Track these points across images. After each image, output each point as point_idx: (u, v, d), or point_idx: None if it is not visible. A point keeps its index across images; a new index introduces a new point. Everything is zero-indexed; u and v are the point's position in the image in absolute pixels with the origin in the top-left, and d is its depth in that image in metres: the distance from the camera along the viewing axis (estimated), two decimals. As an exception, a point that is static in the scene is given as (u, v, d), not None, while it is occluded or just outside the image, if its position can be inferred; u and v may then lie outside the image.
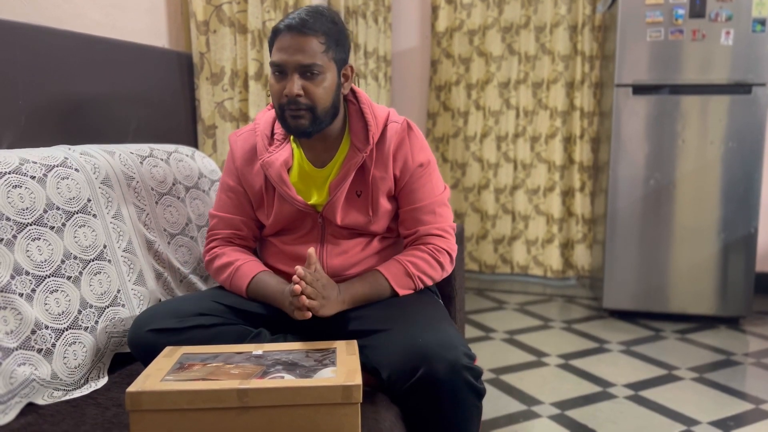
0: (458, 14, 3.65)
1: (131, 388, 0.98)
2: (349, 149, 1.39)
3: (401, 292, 1.37)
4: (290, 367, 1.07)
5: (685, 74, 2.91)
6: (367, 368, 1.32)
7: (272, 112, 1.48)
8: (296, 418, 1.00)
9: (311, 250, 1.26)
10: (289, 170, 1.42)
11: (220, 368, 1.08)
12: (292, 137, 1.43)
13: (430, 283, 1.43)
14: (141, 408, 0.98)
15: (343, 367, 1.07)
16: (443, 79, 3.74)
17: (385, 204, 1.42)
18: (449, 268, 1.46)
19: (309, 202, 1.41)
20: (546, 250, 3.68)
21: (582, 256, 3.65)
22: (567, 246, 3.68)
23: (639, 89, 2.97)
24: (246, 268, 1.40)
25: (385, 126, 1.40)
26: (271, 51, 1.32)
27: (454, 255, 1.46)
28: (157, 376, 1.03)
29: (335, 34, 1.31)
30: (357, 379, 1.01)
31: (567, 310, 3.30)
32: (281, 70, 1.29)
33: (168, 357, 1.13)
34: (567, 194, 3.64)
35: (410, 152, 1.41)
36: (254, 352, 1.15)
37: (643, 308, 3.08)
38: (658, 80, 2.95)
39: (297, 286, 1.21)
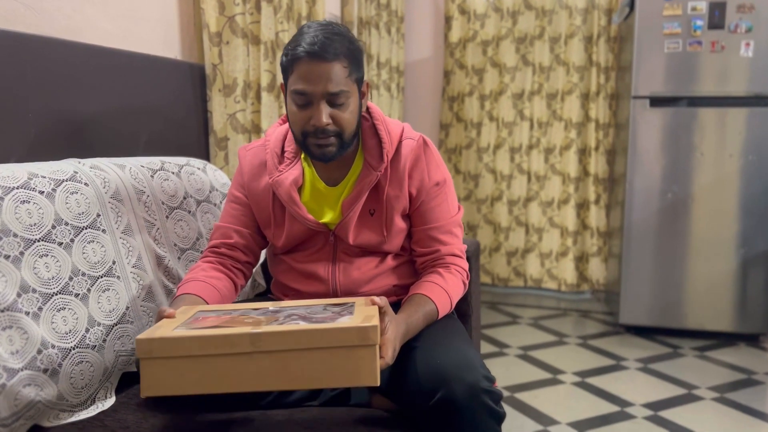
0: (472, 25, 3.62)
1: (141, 336, 0.95)
2: (362, 167, 1.35)
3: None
4: (306, 318, 1.04)
5: (703, 86, 2.87)
6: (383, 389, 1.28)
7: (283, 129, 1.44)
8: (311, 362, 0.96)
9: (385, 300, 1.11)
10: (300, 188, 1.37)
11: (234, 319, 1.05)
12: (303, 155, 1.39)
13: None
14: (152, 355, 0.95)
15: (361, 314, 1.03)
16: (456, 90, 3.70)
17: (399, 223, 1.37)
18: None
19: (321, 221, 1.36)
20: (560, 264, 3.62)
21: (597, 270, 3.59)
22: (581, 259, 3.63)
23: (656, 101, 2.93)
24: (180, 289, 1.31)
25: (400, 142, 1.36)
26: (287, 75, 1.26)
27: None
28: (169, 327, 1.00)
29: (355, 53, 1.26)
30: (374, 321, 0.97)
31: (582, 325, 3.25)
32: (306, 100, 1.24)
33: (183, 313, 1.11)
34: (582, 207, 3.59)
35: (427, 170, 1.36)
36: (271, 308, 1.12)
37: (660, 324, 3.02)
38: (675, 92, 2.90)
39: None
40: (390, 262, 1.40)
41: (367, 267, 1.38)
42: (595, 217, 3.54)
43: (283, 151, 1.40)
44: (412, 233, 1.41)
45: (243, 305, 1.16)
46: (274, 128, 1.46)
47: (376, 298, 1.12)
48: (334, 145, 1.27)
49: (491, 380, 1.14)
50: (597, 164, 3.51)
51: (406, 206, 1.37)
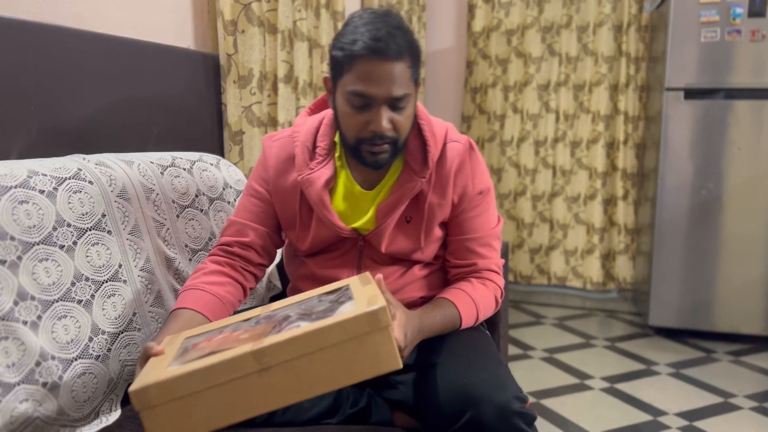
0: (496, 13, 3.49)
1: (134, 387, 0.86)
2: (402, 171, 1.23)
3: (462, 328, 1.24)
4: (304, 316, 0.94)
5: (741, 78, 2.72)
6: (405, 407, 1.19)
7: (315, 120, 1.30)
8: (325, 363, 0.87)
9: (380, 276, 1.04)
10: (331, 190, 1.26)
11: (228, 338, 0.95)
12: (338, 153, 1.27)
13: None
14: (151, 404, 0.85)
15: (362, 296, 0.94)
16: (479, 81, 3.58)
17: (437, 232, 1.27)
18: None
19: (351, 226, 1.25)
20: (586, 261, 3.50)
21: (624, 268, 3.46)
22: (608, 257, 3.50)
23: (691, 93, 2.79)
24: (178, 301, 1.21)
25: (444, 145, 1.24)
26: (340, 72, 1.13)
27: None
28: (161, 367, 0.91)
29: (416, 50, 1.14)
30: (380, 301, 0.88)
31: (608, 326, 3.13)
32: (365, 102, 1.12)
33: (170, 346, 1.01)
34: (609, 202, 3.46)
35: (471, 177, 1.24)
36: (262, 314, 1.03)
37: (691, 326, 2.89)
38: (711, 84, 2.76)
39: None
40: (417, 271, 1.29)
41: (393, 276, 1.27)
42: (623, 213, 3.41)
43: (314, 147, 1.27)
44: (447, 242, 1.30)
45: (232, 319, 1.07)
46: (304, 118, 1.32)
47: (369, 274, 1.04)
48: (388, 152, 1.15)
49: (523, 401, 1.04)
50: (625, 158, 3.38)
51: (447, 214, 1.26)
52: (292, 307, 1.02)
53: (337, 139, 1.26)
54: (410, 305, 1.27)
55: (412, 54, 1.12)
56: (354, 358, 0.88)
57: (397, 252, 1.26)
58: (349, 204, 1.26)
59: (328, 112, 1.29)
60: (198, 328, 1.07)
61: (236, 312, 1.26)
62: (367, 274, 1.06)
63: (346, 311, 0.90)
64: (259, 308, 1.09)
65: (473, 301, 1.23)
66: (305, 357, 0.87)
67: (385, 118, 1.11)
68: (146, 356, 0.99)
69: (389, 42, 1.07)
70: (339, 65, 1.13)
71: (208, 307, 1.18)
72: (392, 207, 1.22)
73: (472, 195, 1.25)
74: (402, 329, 1.02)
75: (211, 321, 1.17)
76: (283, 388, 0.88)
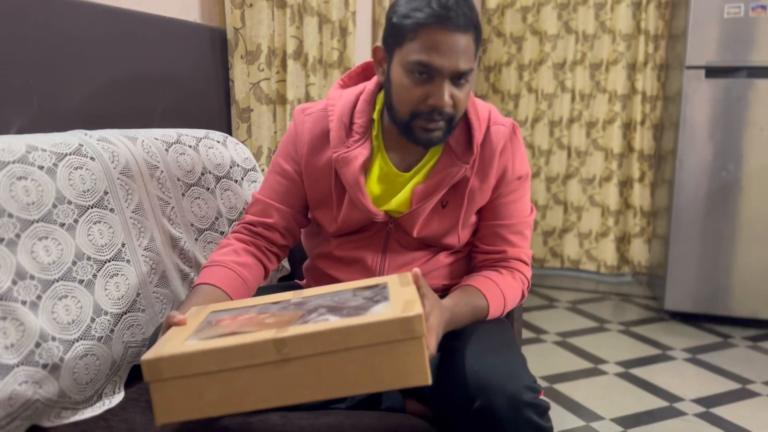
0: (511, -11, 3.40)
1: (147, 356, 0.82)
2: (443, 153, 1.17)
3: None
4: (335, 310, 0.89)
5: (765, 55, 2.63)
6: (417, 393, 1.15)
7: (350, 94, 1.22)
8: (349, 365, 0.82)
9: (417, 271, 0.98)
10: (366, 172, 1.19)
11: (252, 319, 0.91)
12: (375, 132, 1.20)
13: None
14: (162, 377, 0.82)
15: (399, 299, 0.88)
16: (493, 60, 3.51)
17: (473, 218, 1.22)
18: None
19: (383, 209, 1.19)
20: (600, 244, 3.43)
21: (639, 252, 3.39)
22: (623, 240, 3.44)
23: (712, 71, 2.70)
24: (202, 275, 1.16)
25: (487, 128, 1.18)
26: (400, 41, 1.06)
27: None
28: (179, 338, 0.87)
29: (479, 24, 1.08)
30: (417, 308, 0.83)
31: (623, 310, 3.08)
32: (429, 74, 1.06)
33: (194, 317, 0.97)
34: (625, 184, 3.39)
35: (512, 161, 1.19)
36: (293, 300, 0.99)
37: (708, 311, 2.84)
38: (734, 62, 2.67)
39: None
40: (443, 258, 1.24)
41: (418, 262, 1.22)
42: (639, 195, 3.34)
43: (351, 123, 1.20)
44: (478, 227, 1.25)
45: (261, 299, 1.03)
46: (339, 92, 1.25)
47: (410, 275, 0.97)
48: (442, 130, 1.10)
49: (536, 390, 0.99)
50: (642, 140, 3.30)
51: (486, 200, 1.21)
52: (324, 297, 0.98)
53: (375, 116, 1.20)
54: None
55: (476, 27, 1.07)
56: (380, 365, 0.82)
57: (429, 237, 1.21)
58: (382, 186, 1.20)
59: (365, 87, 1.23)
60: (225, 303, 1.04)
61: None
62: (408, 274, 1.00)
63: (379, 312, 0.85)
64: (291, 293, 1.04)
65: (503, 295, 1.18)
66: (328, 355, 0.82)
67: (447, 93, 1.05)
68: (168, 325, 0.96)
69: (458, 11, 1.02)
70: (400, 33, 1.06)
71: (233, 288, 1.14)
72: (431, 191, 1.16)
73: (511, 179, 1.20)
74: (435, 332, 0.95)
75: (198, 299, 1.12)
76: (300, 383, 0.83)
